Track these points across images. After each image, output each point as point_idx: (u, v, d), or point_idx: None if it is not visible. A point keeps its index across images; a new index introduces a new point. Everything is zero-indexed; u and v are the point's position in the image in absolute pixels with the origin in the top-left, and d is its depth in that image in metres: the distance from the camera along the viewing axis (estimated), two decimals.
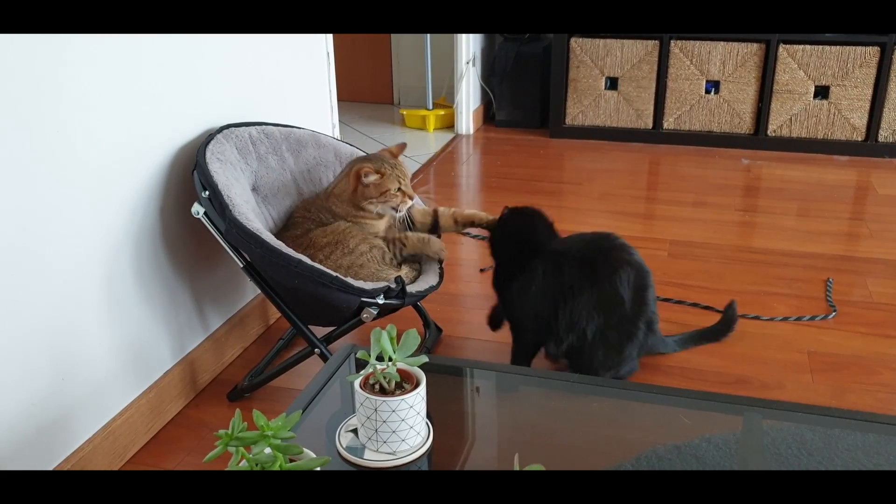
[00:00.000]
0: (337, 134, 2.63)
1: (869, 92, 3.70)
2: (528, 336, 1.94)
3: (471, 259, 2.71)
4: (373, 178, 1.85)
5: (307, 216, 1.92)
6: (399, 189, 1.87)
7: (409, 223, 1.97)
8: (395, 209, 1.88)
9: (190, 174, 1.86)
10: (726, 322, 2.07)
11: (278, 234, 1.93)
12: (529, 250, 1.89)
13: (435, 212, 2.01)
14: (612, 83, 4.03)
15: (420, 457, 1.15)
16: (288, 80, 2.31)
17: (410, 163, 3.76)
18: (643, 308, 1.87)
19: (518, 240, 1.91)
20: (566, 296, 1.84)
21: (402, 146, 1.97)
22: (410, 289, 1.80)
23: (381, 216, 1.92)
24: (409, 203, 1.91)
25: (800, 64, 3.73)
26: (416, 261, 1.96)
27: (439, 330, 2.23)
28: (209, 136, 1.84)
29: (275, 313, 2.30)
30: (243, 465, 0.93)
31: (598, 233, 1.94)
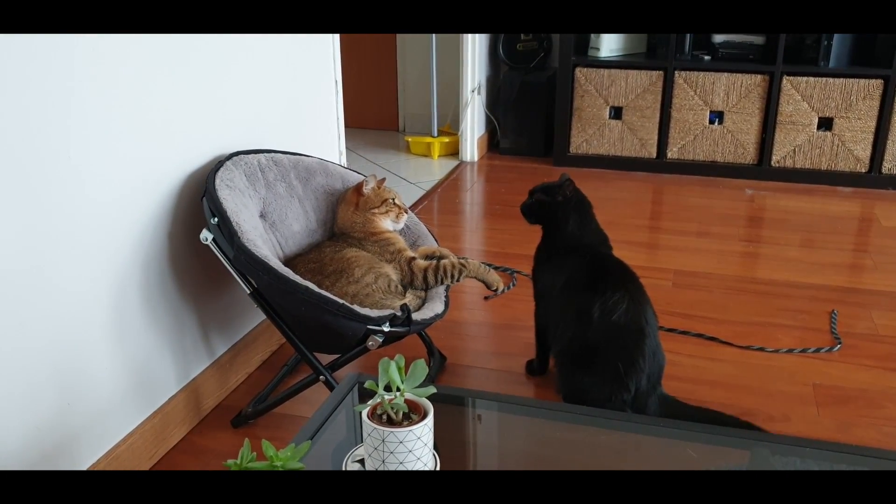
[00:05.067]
0: (344, 161, 2.64)
1: (872, 124, 3.72)
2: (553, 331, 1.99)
3: (475, 287, 2.71)
4: (372, 184, 2.02)
5: (333, 243, 1.99)
6: (394, 203, 2.04)
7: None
8: (395, 221, 2.04)
9: (199, 200, 1.87)
10: None
11: (294, 257, 1.97)
12: (575, 241, 1.97)
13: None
14: (617, 112, 4.06)
15: None
16: (297, 108, 2.33)
17: (415, 189, 3.77)
18: (618, 354, 1.78)
19: (569, 224, 1.97)
20: (568, 290, 1.90)
21: (382, 179, 2.09)
22: (416, 316, 1.80)
23: (396, 232, 2.04)
24: (406, 217, 2.07)
25: (803, 95, 3.75)
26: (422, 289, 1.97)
27: (443, 358, 2.23)
28: (218, 163, 1.86)
29: (279, 340, 2.30)
30: None
31: (627, 268, 1.94)
